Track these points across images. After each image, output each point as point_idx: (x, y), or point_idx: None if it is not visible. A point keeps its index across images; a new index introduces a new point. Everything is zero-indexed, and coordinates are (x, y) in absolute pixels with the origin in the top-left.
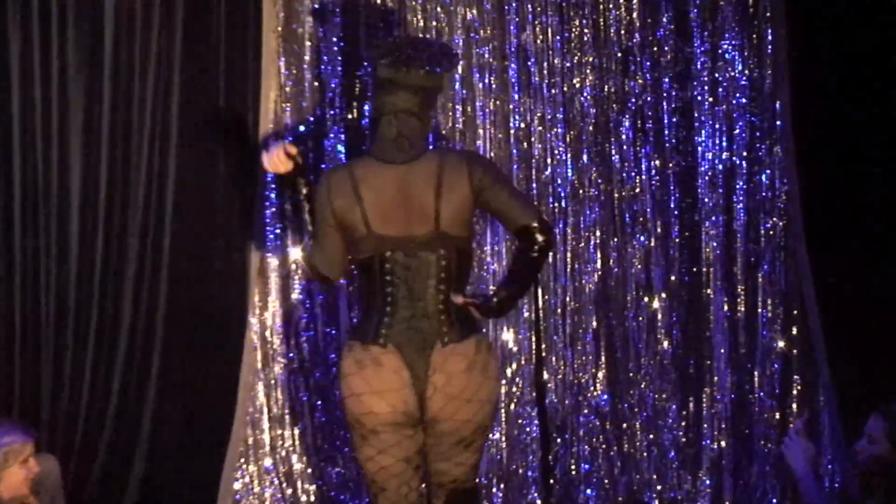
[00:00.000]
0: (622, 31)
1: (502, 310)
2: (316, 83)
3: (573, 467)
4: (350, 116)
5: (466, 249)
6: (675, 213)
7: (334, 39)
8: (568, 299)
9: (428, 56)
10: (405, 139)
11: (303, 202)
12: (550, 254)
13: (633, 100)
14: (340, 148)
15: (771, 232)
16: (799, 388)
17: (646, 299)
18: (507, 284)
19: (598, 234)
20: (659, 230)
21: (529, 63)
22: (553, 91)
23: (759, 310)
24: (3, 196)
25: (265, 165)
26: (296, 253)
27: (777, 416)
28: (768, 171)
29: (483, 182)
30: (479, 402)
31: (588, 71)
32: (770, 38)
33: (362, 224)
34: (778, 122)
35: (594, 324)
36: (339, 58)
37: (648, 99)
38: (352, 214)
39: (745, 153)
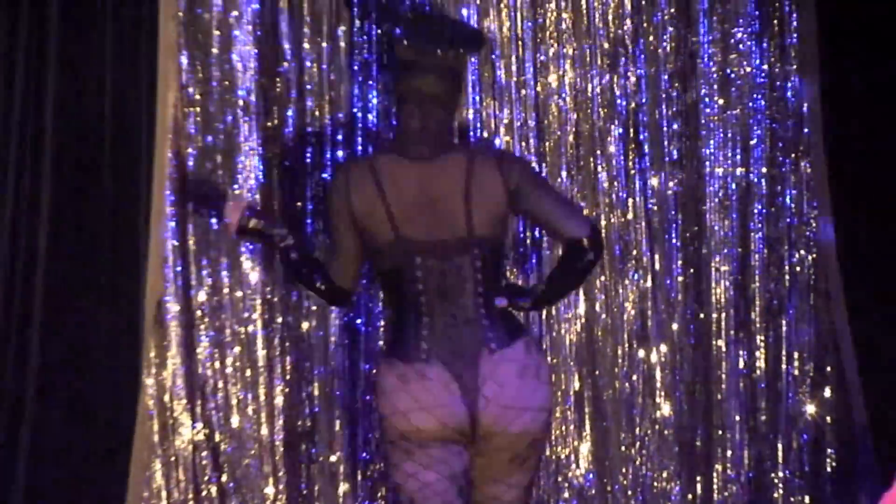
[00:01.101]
0: (609, 17)
1: (544, 304)
2: (226, 82)
3: None
4: (270, 124)
5: (500, 247)
6: (677, 244)
7: (249, 28)
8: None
9: (454, 33)
10: (430, 132)
11: (285, 247)
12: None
13: (624, 102)
14: (253, 168)
15: (797, 268)
16: (833, 465)
17: (641, 353)
18: (549, 286)
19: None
20: (657, 266)
21: (493, 56)
22: (523, 92)
23: (784, 366)
24: None
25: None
26: (202, 295)
27: (806, 500)
28: (793, 192)
29: (520, 187)
30: (534, 409)
31: (567, 66)
32: (795, 22)
33: (388, 226)
34: (805, 130)
35: (576, 384)
36: (256, 51)
37: (643, 101)
38: (374, 215)
39: (763, 169)
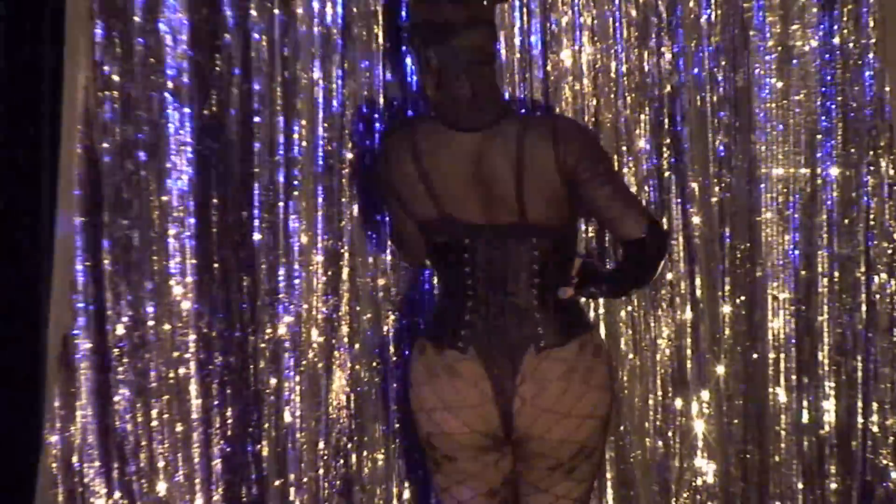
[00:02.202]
0: None
1: (619, 294)
2: (152, 59)
3: None
4: (206, 112)
5: (567, 237)
6: (724, 265)
7: None
8: None
9: None
10: (484, 96)
11: None
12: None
13: (656, 86)
14: (186, 168)
15: (877, 296)
16: None
17: (678, 402)
18: (616, 283)
19: (599, 300)
20: (699, 293)
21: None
22: (530, 72)
23: (860, 420)
24: None
25: None
26: (120, 329)
27: None
28: (871, 199)
29: (577, 170)
30: (579, 417)
31: (584, 39)
32: None
33: (430, 205)
34: (887, 119)
35: None
36: (189, 19)
37: (681, 84)
38: (413, 192)
39: (833, 170)
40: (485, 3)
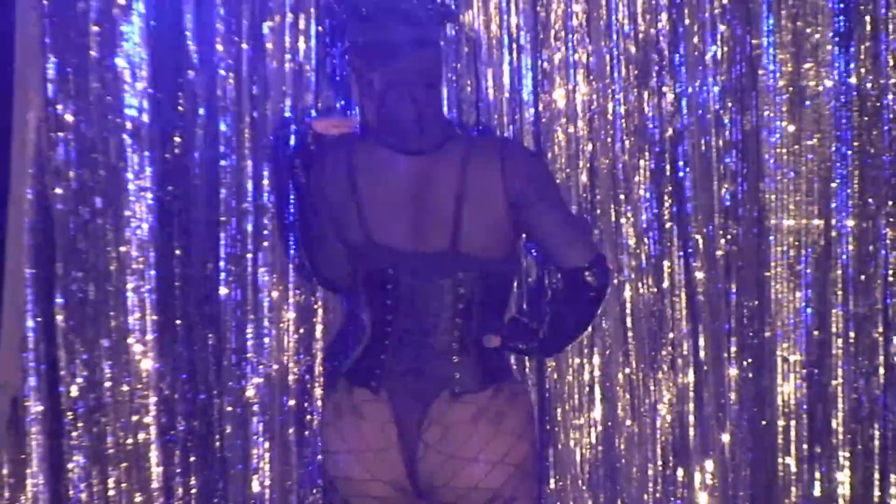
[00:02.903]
0: (639, 10)
1: (549, 353)
2: (108, 97)
3: None
4: (168, 155)
5: (499, 274)
6: (730, 325)
7: (139, 21)
8: (546, 471)
9: (421, 4)
10: (429, 119)
11: None
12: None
13: (657, 128)
14: (146, 216)
15: (895, 357)
16: None
17: (680, 473)
18: (550, 328)
19: (595, 361)
20: (702, 354)
21: (478, 64)
22: (520, 113)
23: (876, 493)
24: None
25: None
26: (75, 391)
27: None
28: (891, 253)
29: (525, 192)
30: (488, 462)
31: (579, 78)
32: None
33: (357, 227)
34: None
35: None
36: (149, 53)
37: (684, 127)
38: (344, 211)
39: (849, 221)
40: (430, 26)
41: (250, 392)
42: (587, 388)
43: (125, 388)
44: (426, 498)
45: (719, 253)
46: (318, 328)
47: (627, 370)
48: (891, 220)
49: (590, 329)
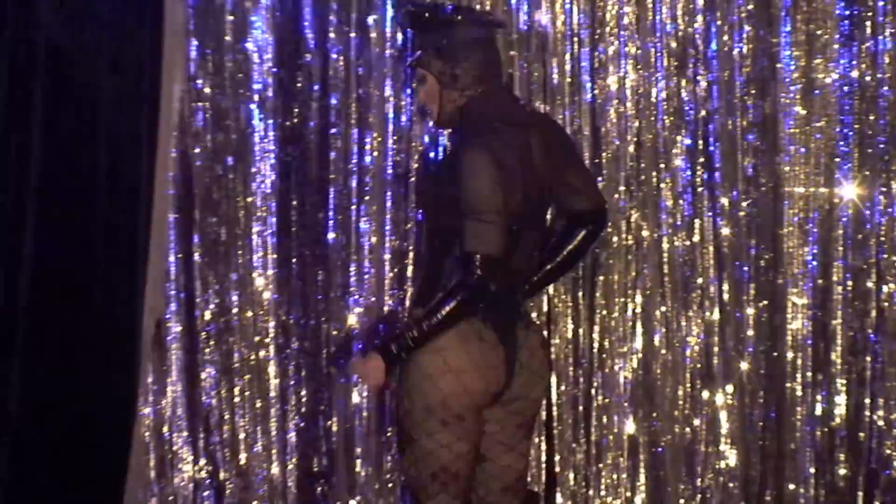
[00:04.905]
0: (678, 13)
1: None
2: (240, 74)
3: None
4: (288, 123)
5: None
6: (749, 272)
7: (268, 13)
8: (594, 392)
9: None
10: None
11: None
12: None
13: (693, 110)
14: (269, 172)
15: (885, 303)
16: None
17: (705, 394)
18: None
19: (638, 300)
20: (726, 297)
21: (545, 54)
22: (578, 96)
23: (868, 414)
24: None
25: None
26: (208, 315)
27: None
28: (882, 218)
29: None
30: (545, 380)
31: (628, 67)
32: (890, 25)
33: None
34: None
35: (630, 427)
36: (275, 40)
37: (714, 109)
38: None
39: (849, 190)
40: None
41: (352, 320)
42: (630, 323)
43: (249, 313)
44: (503, 407)
45: (741, 214)
46: (409, 268)
47: (664, 308)
48: (883, 189)
49: (633, 273)
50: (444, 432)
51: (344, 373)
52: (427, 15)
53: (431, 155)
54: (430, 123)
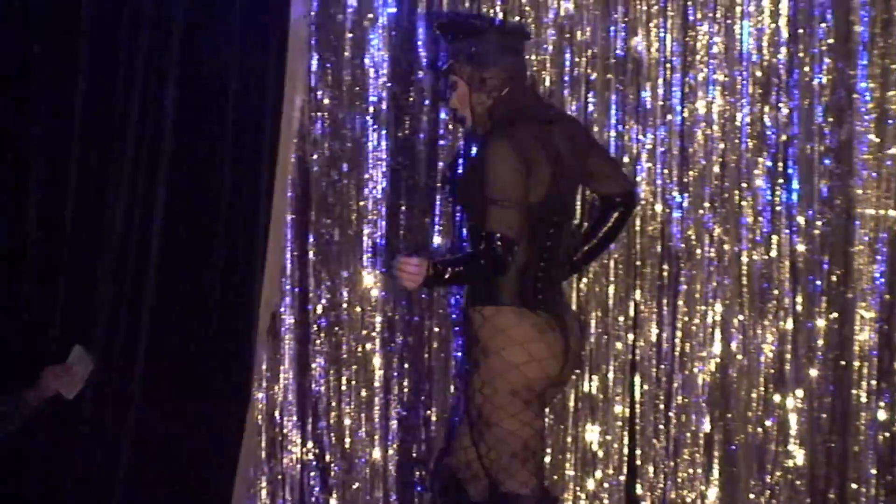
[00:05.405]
0: (764, 45)
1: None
2: (357, 88)
3: None
4: (400, 134)
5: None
6: (822, 286)
7: (384, 32)
8: (674, 391)
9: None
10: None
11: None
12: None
13: (774, 134)
14: (380, 179)
15: None
16: None
17: (777, 397)
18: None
19: (717, 308)
20: (799, 308)
21: (640, 78)
22: (669, 117)
23: None
24: None
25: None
26: (319, 309)
27: None
28: None
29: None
30: (580, 359)
31: (716, 93)
32: None
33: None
34: None
35: (707, 426)
36: (390, 56)
37: (794, 134)
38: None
39: None
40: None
41: (452, 316)
42: (710, 329)
43: (357, 309)
44: (553, 388)
45: (816, 232)
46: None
47: (741, 317)
48: None
49: (714, 284)
50: (527, 411)
51: (387, 264)
52: (459, 24)
53: (464, 156)
54: (464, 129)
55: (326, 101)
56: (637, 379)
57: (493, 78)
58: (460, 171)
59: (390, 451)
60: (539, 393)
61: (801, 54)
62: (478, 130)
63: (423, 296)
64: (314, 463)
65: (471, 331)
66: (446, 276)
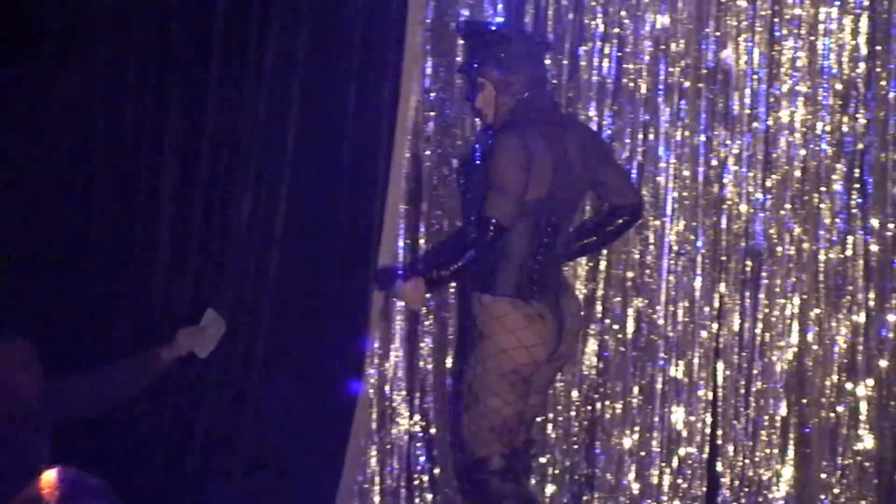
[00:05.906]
0: (844, 60)
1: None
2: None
3: None
4: None
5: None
6: (892, 284)
7: None
8: (754, 377)
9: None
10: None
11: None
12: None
13: (851, 143)
14: None
15: None
16: None
17: (849, 385)
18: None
19: (795, 302)
20: (871, 303)
21: (728, 88)
22: (755, 124)
23: None
24: None
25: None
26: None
27: None
28: None
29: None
30: (578, 338)
31: (799, 104)
32: None
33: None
34: None
35: (783, 410)
36: None
37: (870, 143)
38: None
39: None
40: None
41: None
42: (788, 321)
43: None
44: (545, 365)
45: (888, 234)
46: (602, 263)
47: (817, 310)
48: None
49: (793, 279)
50: (511, 393)
51: (387, 291)
52: (488, 31)
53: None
54: (482, 125)
55: (439, 101)
56: (720, 365)
57: (517, 82)
58: (477, 162)
59: None
60: (525, 377)
61: (878, 69)
62: (495, 125)
63: None
64: (420, 434)
65: (470, 313)
66: (447, 277)
